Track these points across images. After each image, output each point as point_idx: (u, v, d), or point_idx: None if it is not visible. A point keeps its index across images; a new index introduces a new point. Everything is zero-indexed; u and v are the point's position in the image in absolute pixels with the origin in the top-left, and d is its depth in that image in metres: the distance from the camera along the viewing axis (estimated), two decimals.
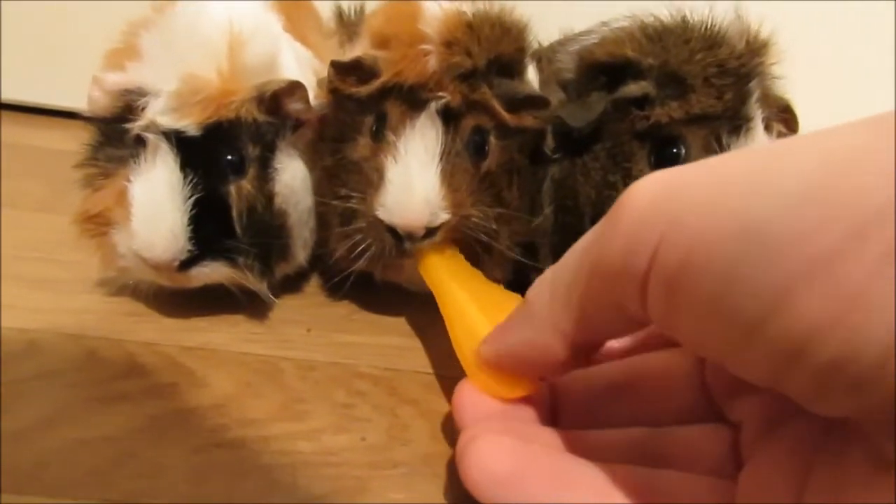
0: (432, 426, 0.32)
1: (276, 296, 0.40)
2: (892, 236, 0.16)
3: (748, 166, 0.19)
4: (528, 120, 0.37)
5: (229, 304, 0.39)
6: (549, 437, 0.27)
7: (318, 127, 0.40)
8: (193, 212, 0.35)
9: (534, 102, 0.37)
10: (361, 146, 0.37)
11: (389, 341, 0.38)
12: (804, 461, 0.21)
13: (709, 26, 0.36)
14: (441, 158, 0.35)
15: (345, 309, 0.41)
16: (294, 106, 0.39)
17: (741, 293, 0.17)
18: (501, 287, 0.35)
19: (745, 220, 0.17)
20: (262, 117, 0.37)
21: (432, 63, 0.35)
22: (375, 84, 0.36)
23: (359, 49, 0.40)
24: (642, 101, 0.36)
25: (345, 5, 0.61)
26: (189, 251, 0.35)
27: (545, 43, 0.48)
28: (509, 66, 0.38)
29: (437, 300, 0.34)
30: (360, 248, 0.36)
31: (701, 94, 0.35)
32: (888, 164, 0.16)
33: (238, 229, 0.36)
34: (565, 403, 0.29)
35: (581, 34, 0.45)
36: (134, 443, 0.28)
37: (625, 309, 0.21)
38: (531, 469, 0.24)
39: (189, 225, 0.35)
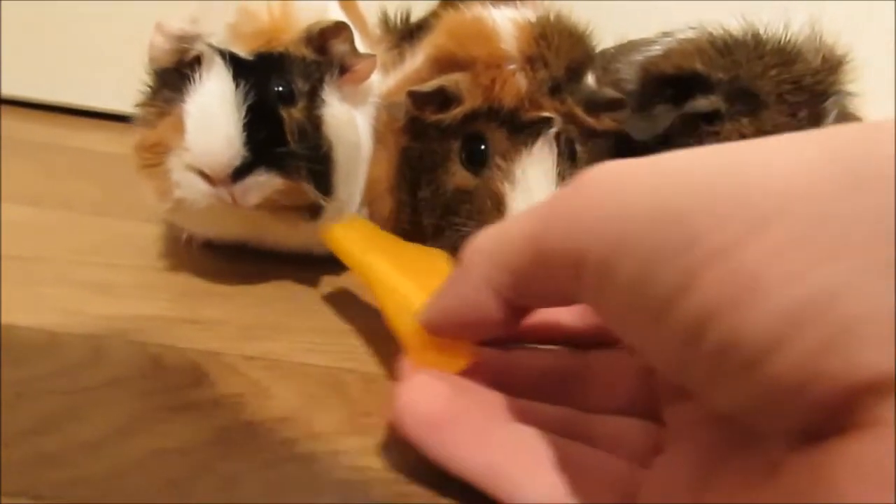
0: None
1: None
2: (789, 229, 0.17)
3: (681, 165, 0.21)
4: (608, 122, 0.38)
5: (286, 311, 0.38)
6: (487, 395, 0.28)
7: (400, 157, 0.40)
8: (247, 120, 0.36)
9: (613, 105, 0.37)
10: (457, 174, 0.37)
11: None
12: (711, 460, 0.22)
13: (783, 41, 0.35)
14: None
15: None
16: (340, 47, 0.40)
17: (656, 276, 0.19)
18: (419, 246, 0.34)
19: (669, 211, 0.19)
20: (310, 55, 0.38)
21: (522, 81, 0.35)
22: (461, 109, 0.36)
23: (420, 66, 0.40)
24: (711, 117, 0.36)
25: (390, 10, 0.61)
26: (244, 157, 0.36)
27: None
28: (579, 71, 0.38)
29: (361, 277, 0.33)
30: None
31: (774, 111, 0.34)
32: (785, 166, 0.18)
33: (291, 142, 0.37)
34: (509, 381, 0.30)
35: (641, 43, 0.44)
36: (207, 455, 0.28)
37: (562, 287, 0.23)
38: (461, 416, 0.25)
39: (243, 132, 0.36)
